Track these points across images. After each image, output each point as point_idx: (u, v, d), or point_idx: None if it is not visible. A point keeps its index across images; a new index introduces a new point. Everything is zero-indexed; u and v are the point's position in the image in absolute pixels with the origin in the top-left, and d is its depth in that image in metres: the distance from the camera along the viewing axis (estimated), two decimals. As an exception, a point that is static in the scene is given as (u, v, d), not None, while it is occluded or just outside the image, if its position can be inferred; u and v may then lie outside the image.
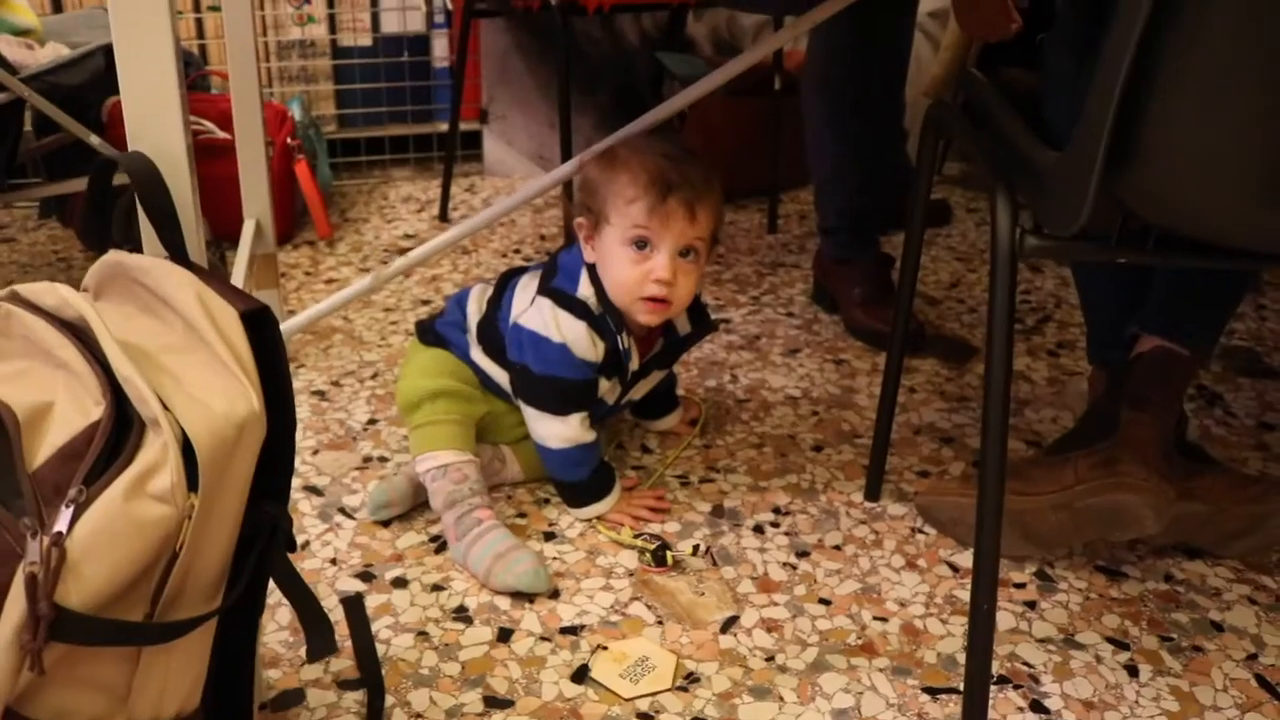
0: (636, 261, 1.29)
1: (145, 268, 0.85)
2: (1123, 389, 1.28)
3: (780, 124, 2.45)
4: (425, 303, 2.07)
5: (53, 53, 1.84)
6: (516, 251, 2.34)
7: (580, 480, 1.37)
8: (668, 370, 1.52)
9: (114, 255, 0.88)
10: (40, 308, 0.82)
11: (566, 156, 2.10)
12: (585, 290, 1.34)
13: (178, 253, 0.85)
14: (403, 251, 2.33)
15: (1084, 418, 1.34)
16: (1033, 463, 1.31)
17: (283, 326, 1.47)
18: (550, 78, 2.79)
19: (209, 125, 2.32)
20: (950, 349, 1.93)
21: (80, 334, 0.80)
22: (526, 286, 1.40)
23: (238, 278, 1.63)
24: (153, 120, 0.81)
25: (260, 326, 0.84)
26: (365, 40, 2.79)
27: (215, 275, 0.85)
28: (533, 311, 1.34)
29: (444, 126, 2.87)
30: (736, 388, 1.77)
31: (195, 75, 2.44)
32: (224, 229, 2.17)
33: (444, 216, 2.53)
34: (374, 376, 1.77)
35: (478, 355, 1.41)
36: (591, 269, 1.35)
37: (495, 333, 1.39)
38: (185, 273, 0.84)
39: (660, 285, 1.29)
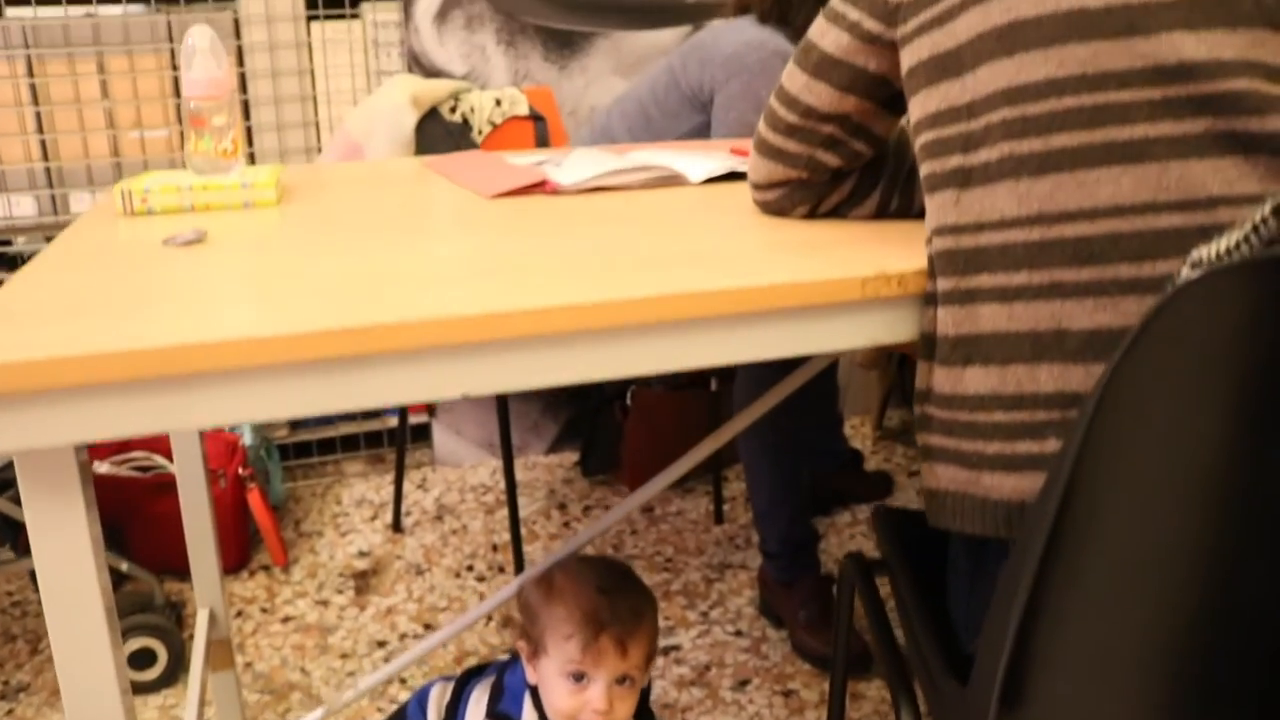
0: (574, 692, 1.34)
1: None
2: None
3: (719, 413, 2.54)
4: (381, 644, 2.10)
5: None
6: (469, 569, 2.38)
7: None
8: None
9: None
10: None
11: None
12: (529, 717, 1.38)
13: None
14: (357, 575, 2.37)
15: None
16: None
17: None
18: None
19: (161, 460, 2.38)
20: (896, 667, 1.97)
21: None
22: (479, 700, 1.44)
23: (195, 665, 1.67)
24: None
25: None
26: (313, 345, 2.87)
27: None
28: (482, 737, 1.38)
29: (394, 422, 2.94)
30: (689, 740, 1.80)
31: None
32: (181, 561, 2.22)
33: (397, 525, 2.58)
34: (331, 751, 1.79)
35: (434, 769, 1.45)
36: (534, 691, 1.39)
37: (449, 749, 1.43)
38: None
39: (597, 715, 1.34)
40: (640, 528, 2.54)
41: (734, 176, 1.41)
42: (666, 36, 2.72)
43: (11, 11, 2.42)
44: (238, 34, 2.51)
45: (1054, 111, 0.83)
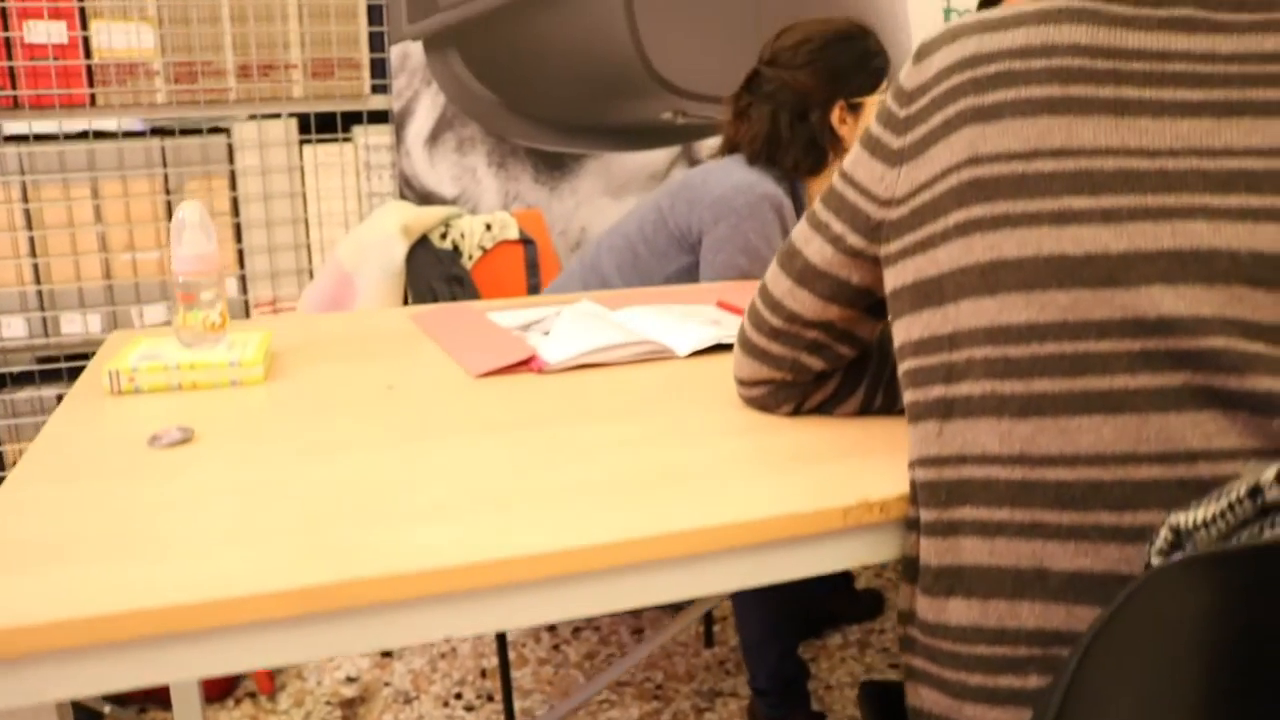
0: None
1: None
2: None
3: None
4: (367, 782, 2.07)
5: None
6: (458, 697, 2.36)
7: None
8: None
9: None
10: None
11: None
12: None
13: None
14: (344, 704, 2.34)
15: None
16: None
17: None
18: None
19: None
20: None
21: None
22: None
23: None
24: None
25: None
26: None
27: None
28: None
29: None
30: None
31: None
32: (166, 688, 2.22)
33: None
34: None
35: None
36: None
37: None
38: None
39: None
40: (630, 650, 2.52)
41: (720, 348, 1.42)
42: (656, 157, 2.76)
43: (9, 125, 2.44)
44: (231, 159, 2.53)
45: (1035, 356, 0.84)
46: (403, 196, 2.61)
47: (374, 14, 2.55)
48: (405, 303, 2.31)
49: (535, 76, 2.62)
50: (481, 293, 2.42)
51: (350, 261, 2.30)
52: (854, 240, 1.01)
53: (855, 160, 1.02)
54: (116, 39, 2.41)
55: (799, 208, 2.02)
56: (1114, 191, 0.83)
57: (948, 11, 2.99)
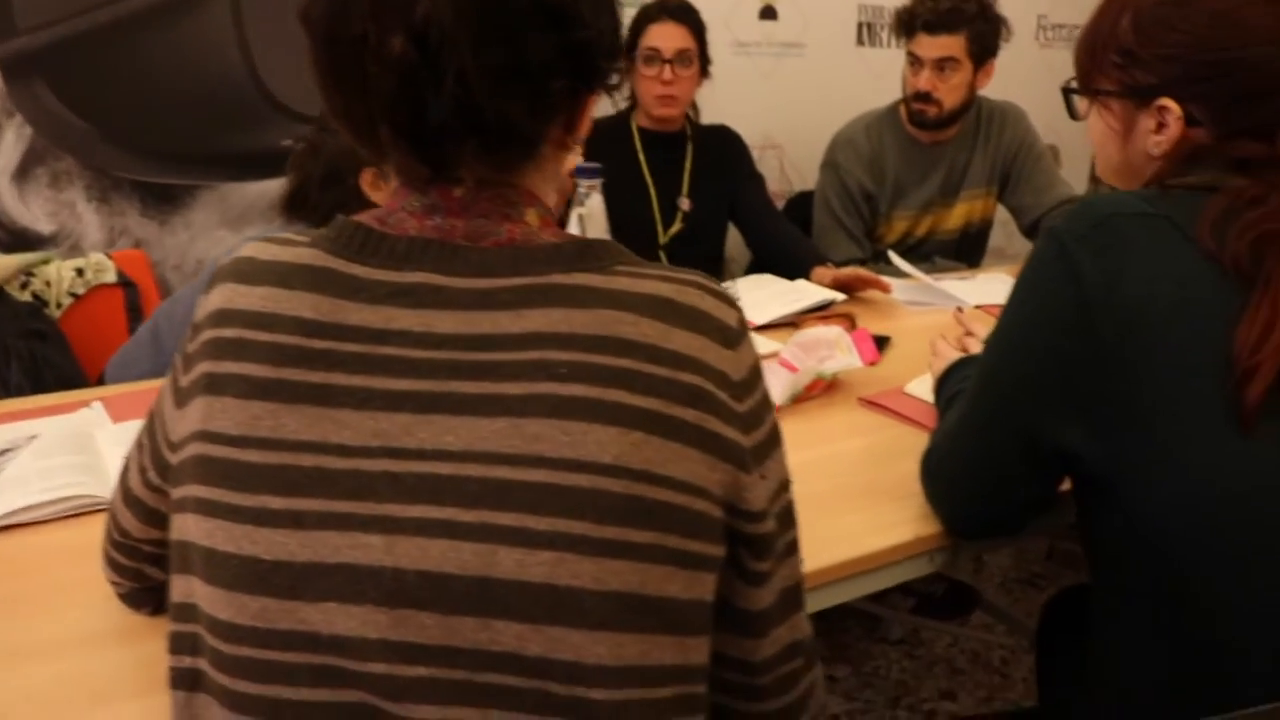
0: None
1: None
2: None
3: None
4: None
5: None
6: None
7: None
8: None
9: None
10: None
11: None
12: None
13: None
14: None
15: None
16: None
17: None
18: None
19: None
20: None
21: None
22: None
23: None
24: None
25: None
26: None
27: None
28: None
29: None
30: None
31: None
32: None
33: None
34: None
35: None
36: None
37: None
38: None
39: None
40: None
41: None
42: (276, 186, 2.65)
43: None
44: None
45: (237, 658, 0.82)
46: (-8, 236, 2.46)
47: (-54, 40, 2.37)
48: (-26, 364, 2.18)
49: (137, 104, 2.48)
50: (75, 345, 2.30)
51: (-93, 322, 2.15)
52: (153, 476, 0.97)
53: (165, 384, 0.97)
54: None
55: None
56: (307, 494, 0.79)
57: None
